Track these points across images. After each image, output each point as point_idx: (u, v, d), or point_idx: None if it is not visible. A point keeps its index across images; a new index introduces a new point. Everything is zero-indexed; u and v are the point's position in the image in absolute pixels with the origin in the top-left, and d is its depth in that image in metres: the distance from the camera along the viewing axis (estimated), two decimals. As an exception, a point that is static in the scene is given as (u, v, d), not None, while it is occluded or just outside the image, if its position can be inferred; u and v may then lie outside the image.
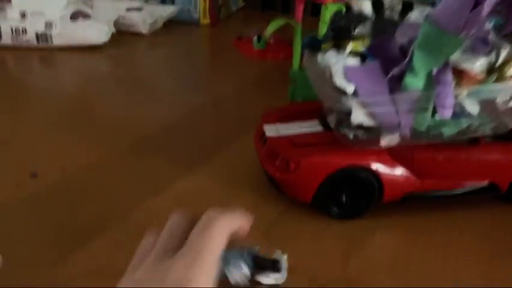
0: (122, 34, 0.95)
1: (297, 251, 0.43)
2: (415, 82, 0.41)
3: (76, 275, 0.42)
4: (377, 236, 0.46)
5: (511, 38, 0.44)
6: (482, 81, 0.42)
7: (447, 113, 0.41)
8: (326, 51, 0.47)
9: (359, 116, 0.42)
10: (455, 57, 0.42)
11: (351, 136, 0.45)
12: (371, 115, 0.42)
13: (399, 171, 0.46)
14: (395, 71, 0.42)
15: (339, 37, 0.49)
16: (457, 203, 0.49)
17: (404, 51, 0.43)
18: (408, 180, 0.47)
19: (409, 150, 0.47)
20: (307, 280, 0.40)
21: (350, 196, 0.48)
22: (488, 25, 0.43)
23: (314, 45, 0.50)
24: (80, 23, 0.91)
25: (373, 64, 0.44)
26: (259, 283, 0.31)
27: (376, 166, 0.46)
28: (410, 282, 0.40)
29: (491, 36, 0.43)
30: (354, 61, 0.45)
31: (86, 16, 0.92)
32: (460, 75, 0.42)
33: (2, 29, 0.89)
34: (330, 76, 0.44)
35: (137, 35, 0.98)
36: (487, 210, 0.49)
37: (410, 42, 0.42)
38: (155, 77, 0.89)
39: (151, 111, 0.73)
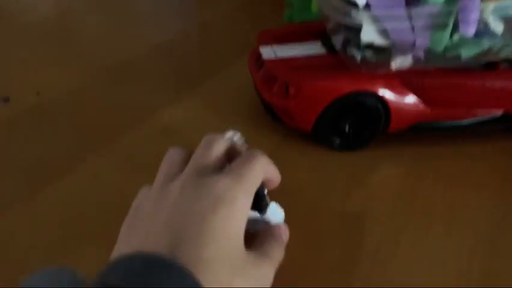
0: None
1: (297, 183, 0.40)
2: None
3: (52, 205, 0.38)
4: (382, 168, 0.43)
5: None
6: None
7: (470, 30, 0.36)
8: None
9: (369, 34, 0.38)
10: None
11: (358, 58, 0.40)
12: (383, 32, 0.38)
13: (408, 98, 0.42)
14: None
15: None
16: (467, 134, 0.45)
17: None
18: (417, 108, 0.43)
19: (420, 76, 0.42)
20: (308, 212, 0.37)
21: (353, 125, 0.44)
22: None
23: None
24: None
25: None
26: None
27: (384, 92, 0.41)
28: (416, 215, 0.37)
29: None
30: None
31: None
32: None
33: None
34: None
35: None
36: (498, 143, 0.45)
37: None
38: (139, -1, 0.82)
39: (135, 35, 0.67)
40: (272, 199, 0.33)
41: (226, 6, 0.75)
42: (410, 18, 0.37)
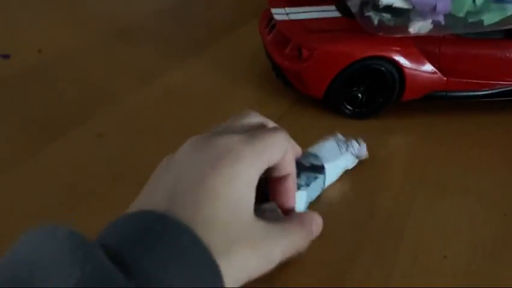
0: None
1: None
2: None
3: (52, 165, 0.37)
4: (393, 137, 0.42)
5: None
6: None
7: (495, -7, 0.35)
8: None
9: (389, -5, 0.36)
10: None
11: (376, 21, 0.39)
12: (404, -6, 0.36)
13: (424, 66, 0.41)
14: None
15: None
16: (482, 105, 0.44)
17: None
18: (433, 77, 0.41)
19: (437, 43, 0.41)
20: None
21: (366, 93, 0.42)
22: None
23: None
24: None
25: None
26: None
27: (400, 58, 0.40)
28: (429, 185, 0.36)
29: None
30: None
31: None
32: None
33: None
34: None
35: None
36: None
37: None
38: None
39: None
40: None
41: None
42: (432, -21, 0.35)
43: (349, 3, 0.42)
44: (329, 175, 0.34)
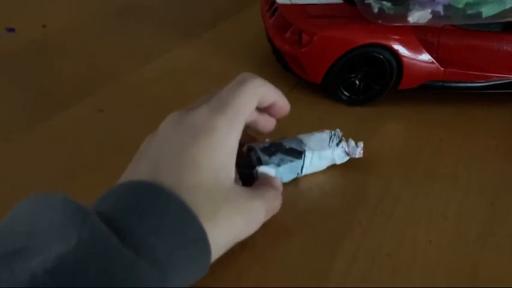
0: None
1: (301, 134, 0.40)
2: None
3: (53, 138, 0.38)
4: (388, 124, 0.42)
5: None
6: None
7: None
8: None
9: (390, -17, 0.36)
10: None
11: (376, 9, 0.39)
12: (405, -17, 0.37)
13: (422, 56, 0.41)
14: None
15: None
16: (478, 97, 0.45)
17: None
18: (430, 66, 0.42)
19: (436, 33, 0.41)
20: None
21: (364, 80, 0.43)
22: None
23: None
24: None
25: None
26: None
27: (398, 47, 0.40)
28: (420, 171, 0.37)
29: None
30: None
31: None
32: None
33: None
34: None
35: None
36: (507, 109, 0.45)
37: None
38: None
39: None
40: (274, 146, 0.33)
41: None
42: (433, -31, 0.36)
43: (351, -10, 0.42)
44: (311, 163, 0.34)
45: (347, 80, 0.43)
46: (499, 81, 0.43)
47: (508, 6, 0.38)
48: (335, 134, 0.36)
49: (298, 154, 0.34)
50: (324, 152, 0.35)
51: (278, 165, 0.32)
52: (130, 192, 0.23)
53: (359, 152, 0.36)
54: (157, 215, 0.22)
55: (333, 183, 0.35)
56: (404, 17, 0.39)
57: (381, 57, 0.41)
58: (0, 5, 0.55)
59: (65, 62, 0.47)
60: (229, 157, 0.26)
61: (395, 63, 0.41)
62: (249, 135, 0.34)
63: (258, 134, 0.33)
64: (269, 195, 0.29)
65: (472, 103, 0.45)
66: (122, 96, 0.43)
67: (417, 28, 0.41)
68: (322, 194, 0.34)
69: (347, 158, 0.36)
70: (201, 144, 0.25)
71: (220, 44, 0.51)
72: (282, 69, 0.45)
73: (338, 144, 0.35)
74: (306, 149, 0.34)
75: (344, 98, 0.44)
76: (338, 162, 0.36)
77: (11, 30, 0.50)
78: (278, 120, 0.32)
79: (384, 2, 0.38)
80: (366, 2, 0.39)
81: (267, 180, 0.31)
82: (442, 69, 0.42)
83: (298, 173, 0.34)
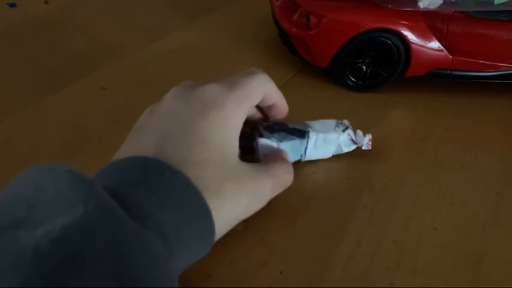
0: None
1: (305, 118, 0.39)
2: None
3: (55, 114, 0.37)
4: (395, 111, 0.42)
5: None
6: None
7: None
8: None
9: (403, -34, 0.36)
10: None
11: (386, -8, 0.38)
12: (417, -34, 0.36)
13: (431, 43, 0.41)
14: None
15: None
16: (486, 86, 0.44)
17: None
18: (439, 54, 0.41)
19: (445, 20, 0.41)
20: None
21: (371, 65, 0.42)
22: None
23: None
24: None
25: None
26: None
27: (408, 33, 0.40)
28: (426, 159, 0.36)
29: None
30: None
31: None
32: None
33: None
34: None
35: None
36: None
37: None
38: None
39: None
40: (278, 125, 0.33)
41: None
42: (447, -48, 0.35)
43: (361, -26, 0.41)
44: (316, 146, 0.34)
45: (354, 65, 0.42)
46: (508, 71, 0.42)
47: (521, -6, 0.37)
48: (341, 123, 0.35)
49: (302, 134, 0.33)
50: (329, 135, 0.34)
51: (280, 141, 0.32)
52: (136, 167, 0.23)
53: (366, 143, 0.35)
54: (162, 190, 0.21)
55: (339, 168, 0.35)
56: (415, 2, 0.38)
57: (390, 42, 0.40)
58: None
59: (68, 38, 0.46)
60: (235, 134, 0.26)
61: (403, 49, 0.40)
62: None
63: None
64: (278, 170, 0.29)
65: (479, 92, 0.44)
66: (126, 75, 0.42)
67: (427, 14, 0.40)
68: (327, 178, 0.34)
69: (353, 147, 0.35)
70: (209, 118, 0.25)
71: (226, 25, 0.50)
72: (289, 52, 0.45)
73: (344, 131, 0.35)
74: (310, 130, 0.33)
75: (350, 83, 0.43)
76: (344, 149, 0.35)
77: (13, 5, 0.49)
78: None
79: (395, -14, 0.38)
80: (376, -15, 0.39)
81: (275, 154, 0.30)
82: (450, 57, 0.41)
83: (301, 155, 0.34)
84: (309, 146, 0.33)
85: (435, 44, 0.41)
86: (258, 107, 0.31)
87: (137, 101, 0.38)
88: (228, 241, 0.28)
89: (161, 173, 0.22)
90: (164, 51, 0.46)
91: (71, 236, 0.17)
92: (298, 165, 0.34)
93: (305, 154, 0.34)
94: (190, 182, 0.22)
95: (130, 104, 0.38)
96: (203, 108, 0.25)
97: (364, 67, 0.43)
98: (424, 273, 0.28)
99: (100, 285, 0.16)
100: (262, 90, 0.28)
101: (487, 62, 0.42)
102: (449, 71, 0.42)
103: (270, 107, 0.31)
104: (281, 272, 0.27)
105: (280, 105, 0.31)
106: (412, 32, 0.40)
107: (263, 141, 0.31)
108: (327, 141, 0.34)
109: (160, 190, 0.21)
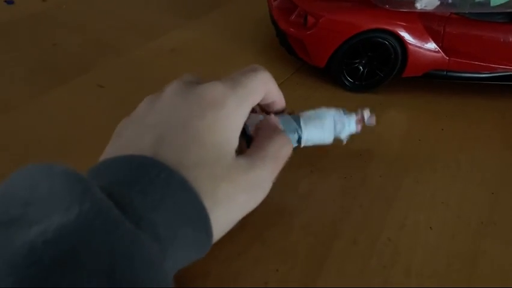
0: None
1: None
2: None
3: (54, 109, 0.37)
4: (391, 112, 0.42)
5: None
6: None
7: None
8: None
9: (400, -33, 0.36)
10: None
11: (384, -7, 0.39)
12: (415, -33, 0.36)
13: (428, 44, 0.41)
14: None
15: None
16: (482, 88, 0.44)
17: None
18: (435, 55, 0.41)
19: (442, 22, 0.41)
20: (312, 147, 0.37)
21: (368, 66, 0.42)
22: None
23: None
24: None
25: None
26: None
27: (405, 33, 0.40)
28: (422, 159, 0.36)
29: None
30: None
31: None
32: None
33: None
34: None
35: None
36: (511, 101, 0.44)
37: None
38: None
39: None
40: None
41: None
42: (444, -46, 0.35)
43: (359, -26, 0.42)
44: (310, 122, 0.32)
45: (351, 65, 0.43)
46: (504, 73, 0.43)
47: (517, -4, 0.37)
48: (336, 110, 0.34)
49: (290, 113, 0.32)
50: (320, 109, 0.33)
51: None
52: (131, 167, 0.22)
53: (369, 119, 0.34)
54: (158, 192, 0.21)
55: (335, 167, 0.35)
56: (412, 3, 0.39)
57: (387, 43, 0.40)
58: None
59: (65, 36, 0.46)
60: (235, 133, 0.26)
61: (400, 49, 0.41)
62: None
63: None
64: (273, 148, 0.27)
65: (475, 94, 0.45)
66: (123, 73, 0.42)
67: (424, 15, 0.41)
68: (323, 177, 0.34)
69: (353, 118, 0.34)
70: (209, 118, 0.24)
71: (224, 25, 0.50)
72: (286, 52, 0.45)
73: (342, 114, 0.34)
74: (300, 113, 0.33)
75: (347, 83, 0.43)
76: (347, 125, 0.33)
77: (10, 2, 0.49)
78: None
79: (392, -13, 0.38)
80: (374, -14, 0.39)
81: (266, 126, 0.29)
82: (447, 58, 0.42)
83: (297, 129, 0.32)
84: (302, 121, 0.32)
85: (432, 45, 0.41)
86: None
87: (134, 100, 0.38)
88: (224, 239, 0.28)
89: (158, 173, 0.22)
90: (161, 50, 0.46)
91: (66, 237, 0.17)
92: (294, 162, 0.34)
93: (301, 130, 0.32)
94: (186, 184, 0.22)
95: (127, 102, 0.38)
96: (203, 108, 0.25)
97: (361, 67, 0.43)
98: (419, 272, 0.28)
99: (93, 286, 0.16)
100: (264, 89, 0.28)
101: (483, 64, 0.42)
102: (445, 72, 0.42)
103: (269, 105, 0.31)
104: (277, 270, 0.27)
105: (279, 102, 0.31)
106: (409, 33, 0.40)
107: (252, 116, 0.30)
108: (321, 116, 0.33)
109: (156, 191, 0.21)
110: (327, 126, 0.33)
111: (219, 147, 0.25)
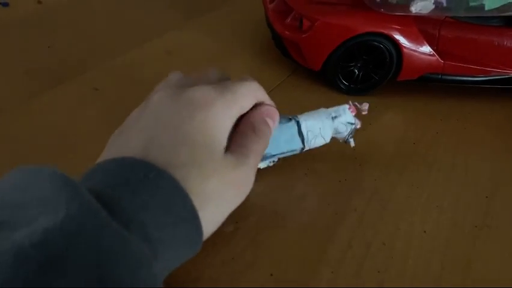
0: None
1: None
2: None
3: (48, 111, 0.37)
4: (386, 115, 0.42)
5: None
6: None
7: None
8: None
9: (395, -29, 0.36)
10: None
11: (379, -3, 0.39)
12: (409, -29, 0.36)
13: (423, 47, 0.41)
14: None
15: None
16: (477, 91, 0.45)
17: None
18: (430, 58, 0.41)
19: (437, 25, 0.41)
20: (307, 153, 0.37)
21: (363, 69, 0.43)
22: None
23: None
24: None
25: None
26: None
27: (400, 37, 0.40)
28: (416, 163, 0.37)
29: None
30: None
31: None
32: None
33: None
34: None
35: None
36: (506, 105, 0.45)
37: None
38: None
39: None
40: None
41: None
42: (439, -42, 0.35)
43: (354, -22, 0.42)
44: (310, 118, 0.33)
45: (346, 68, 0.43)
46: (498, 77, 0.43)
47: (510, 0, 0.37)
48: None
49: (288, 119, 0.33)
50: (317, 112, 0.33)
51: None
52: (120, 169, 0.23)
53: (361, 106, 0.34)
54: (147, 192, 0.21)
55: (330, 170, 0.35)
56: (407, 7, 0.39)
57: (382, 46, 0.40)
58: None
59: (60, 38, 0.46)
60: (223, 134, 0.26)
61: (395, 53, 0.41)
62: None
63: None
64: (255, 146, 0.27)
65: (470, 97, 0.45)
66: (118, 75, 0.42)
67: (419, 19, 0.41)
68: (318, 180, 0.34)
69: (346, 106, 0.34)
70: (197, 119, 0.25)
71: (220, 27, 0.50)
72: (281, 55, 0.45)
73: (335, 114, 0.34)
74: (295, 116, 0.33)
75: (342, 86, 0.43)
76: (343, 117, 0.33)
77: (5, 4, 0.49)
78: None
79: (387, -9, 0.38)
80: (369, -11, 0.39)
81: (245, 123, 0.29)
82: (442, 61, 0.42)
83: (294, 119, 0.32)
84: (301, 122, 0.32)
85: (426, 49, 0.41)
86: None
87: (129, 102, 0.38)
88: (218, 243, 0.28)
89: (146, 173, 0.22)
90: (157, 52, 0.46)
91: (53, 239, 0.17)
92: (289, 165, 0.34)
93: (297, 116, 0.33)
94: (176, 183, 0.22)
95: (122, 105, 0.38)
96: (192, 109, 0.25)
97: (356, 71, 0.43)
98: (413, 275, 0.28)
99: (82, 287, 0.16)
100: (252, 97, 0.28)
101: (477, 67, 0.42)
102: (440, 76, 0.43)
103: None
104: (271, 274, 0.27)
105: (270, 115, 0.30)
106: (404, 37, 0.40)
107: None
108: (321, 113, 0.33)
109: (145, 191, 0.21)
110: (322, 112, 0.33)
111: (208, 147, 0.25)
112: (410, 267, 0.28)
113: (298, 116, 0.33)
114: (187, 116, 0.25)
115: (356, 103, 0.35)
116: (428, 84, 0.43)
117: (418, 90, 0.45)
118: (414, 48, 0.41)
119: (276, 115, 0.30)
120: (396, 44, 0.40)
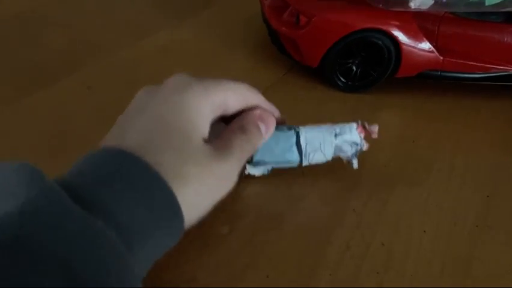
0: None
1: (294, 118, 0.39)
2: None
3: (40, 111, 0.36)
4: (384, 113, 0.41)
5: None
6: None
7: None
8: None
9: (394, -35, 0.35)
10: None
11: (377, -8, 0.38)
12: (408, -34, 0.35)
13: (422, 44, 0.40)
14: None
15: None
16: (476, 88, 0.44)
17: None
18: (429, 55, 0.41)
19: (436, 21, 0.41)
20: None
21: (361, 66, 0.42)
22: None
23: None
24: None
25: None
26: None
27: (398, 33, 0.39)
28: (415, 161, 0.36)
29: None
30: None
31: None
32: None
33: None
34: None
35: None
36: (506, 102, 0.44)
37: None
38: None
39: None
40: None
41: None
42: (439, -48, 0.34)
43: (352, -27, 0.41)
44: (310, 133, 0.32)
45: (344, 65, 0.42)
46: (498, 73, 0.42)
47: (511, -5, 0.37)
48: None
49: (288, 128, 0.32)
50: (320, 126, 0.32)
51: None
52: (93, 159, 0.22)
53: (373, 129, 0.33)
54: (119, 179, 0.21)
55: (327, 170, 0.34)
56: (406, 3, 0.38)
57: (380, 43, 0.40)
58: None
59: (52, 36, 0.45)
60: (201, 120, 0.25)
61: (393, 49, 0.40)
62: None
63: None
64: (239, 146, 0.27)
65: (470, 94, 0.44)
66: (111, 73, 0.41)
67: (418, 15, 0.40)
68: (316, 180, 0.33)
69: (354, 125, 0.33)
70: (169, 101, 0.24)
71: (215, 24, 0.49)
72: (278, 52, 0.44)
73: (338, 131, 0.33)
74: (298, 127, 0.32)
75: (340, 84, 0.43)
76: (349, 135, 0.32)
77: (-3, 1, 0.48)
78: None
79: (386, -14, 0.37)
80: (367, -15, 0.38)
81: (237, 121, 0.28)
82: (441, 58, 0.41)
83: (295, 130, 0.31)
84: (301, 135, 0.32)
85: (426, 45, 0.41)
86: None
87: (122, 101, 0.38)
88: (213, 244, 0.27)
89: (119, 161, 0.22)
90: (151, 50, 0.45)
91: (11, 223, 0.17)
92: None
93: (298, 127, 0.32)
94: (149, 167, 0.22)
95: (115, 104, 0.37)
96: (166, 93, 0.25)
97: (354, 67, 0.42)
98: (413, 276, 0.27)
99: (44, 272, 0.16)
100: (239, 96, 0.28)
101: (477, 64, 0.42)
102: (439, 72, 0.42)
103: None
104: (268, 276, 0.26)
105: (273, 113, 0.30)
106: (403, 33, 0.40)
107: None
108: (322, 129, 0.32)
109: (117, 179, 0.21)
110: (326, 127, 0.32)
111: (184, 132, 0.24)
112: (410, 267, 0.28)
113: (300, 127, 0.32)
114: (162, 99, 0.25)
115: (366, 123, 0.33)
116: (427, 81, 0.42)
117: (417, 87, 0.44)
118: (413, 45, 0.40)
119: (271, 121, 0.29)
120: (395, 41, 0.40)
